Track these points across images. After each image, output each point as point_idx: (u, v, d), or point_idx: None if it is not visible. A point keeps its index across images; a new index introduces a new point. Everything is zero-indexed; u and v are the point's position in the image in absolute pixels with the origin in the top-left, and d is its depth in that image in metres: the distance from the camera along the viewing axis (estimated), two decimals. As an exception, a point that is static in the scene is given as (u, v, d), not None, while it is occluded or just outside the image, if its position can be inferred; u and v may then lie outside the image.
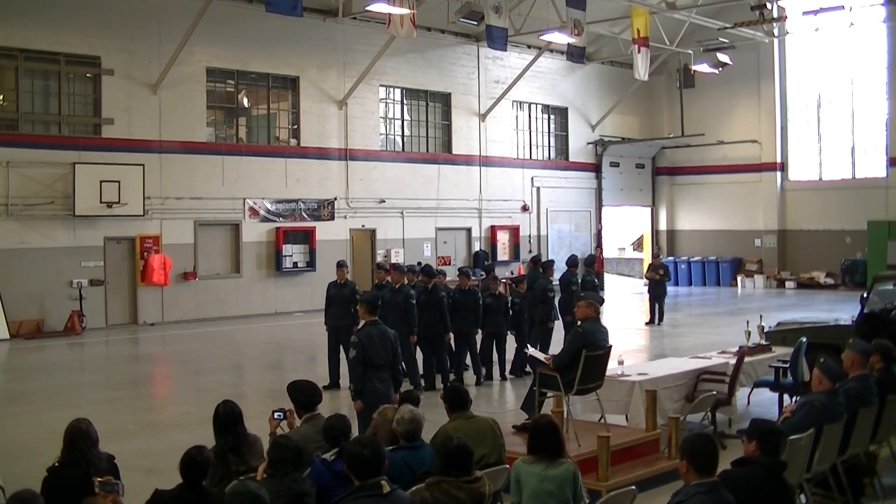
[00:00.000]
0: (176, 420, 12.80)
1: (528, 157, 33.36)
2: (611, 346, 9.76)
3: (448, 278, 16.81)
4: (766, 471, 5.69)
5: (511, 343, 15.50)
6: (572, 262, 18.27)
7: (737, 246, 35.46)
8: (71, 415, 6.74)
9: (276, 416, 7.08)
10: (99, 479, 5.49)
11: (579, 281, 17.50)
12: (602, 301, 10.40)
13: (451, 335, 14.68)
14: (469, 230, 31.20)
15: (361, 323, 9.69)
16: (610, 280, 35.71)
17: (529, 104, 33.50)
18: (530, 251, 30.86)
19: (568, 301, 16.21)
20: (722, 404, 10.61)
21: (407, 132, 30.05)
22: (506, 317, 15.18)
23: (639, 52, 29.27)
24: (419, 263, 28.98)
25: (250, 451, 6.60)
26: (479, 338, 15.13)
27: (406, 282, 14.67)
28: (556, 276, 17.49)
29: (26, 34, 21.86)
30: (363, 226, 28.32)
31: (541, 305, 15.79)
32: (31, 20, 21.86)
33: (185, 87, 24.40)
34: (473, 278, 17.76)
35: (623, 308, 27.20)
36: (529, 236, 32.86)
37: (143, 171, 23.12)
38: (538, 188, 33.26)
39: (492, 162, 31.68)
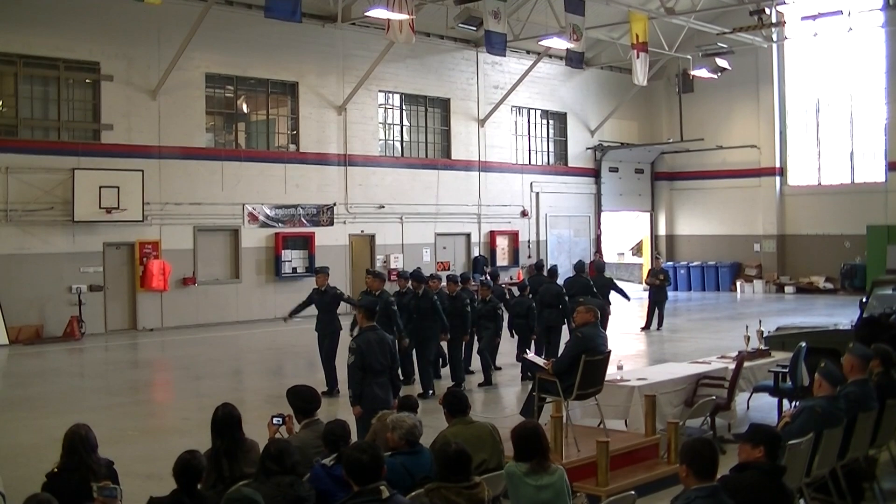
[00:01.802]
0: (175, 425, 12.79)
1: (528, 163, 33.38)
2: (610, 352, 9.77)
3: (443, 283, 16.90)
4: (766, 476, 5.69)
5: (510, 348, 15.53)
6: (580, 267, 18.48)
7: (736, 251, 35.45)
8: (70, 420, 6.74)
9: (275, 422, 7.07)
10: (98, 484, 5.49)
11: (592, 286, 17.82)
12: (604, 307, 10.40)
13: (446, 336, 14.84)
14: (468, 236, 31.19)
15: (357, 329, 9.72)
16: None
17: (528, 109, 33.52)
18: (529, 256, 30.86)
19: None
20: (721, 409, 10.60)
21: (406, 138, 30.08)
22: (494, 321, 15.33)
23: (637, 57, 29.27)
24: (418, 269, 29.10)
25: (245, 458, 6.57)
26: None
27: (399, 288, 14.93)
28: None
29: (26, 40, 21.88)
30: (362, 231, 28.32)
31: (549, 310, 15.90)
32: (31, 26, 21.88)
33: (185, 92, 24.41)
34: (473, 283, 17.82)
35: (622, 313, 27.17)
36: (529, 242, 32.85)
37: (143, 177, 23.12)
38: (537, 193, 33.27)
39: (491, 167, 31.69)
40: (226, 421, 6.63)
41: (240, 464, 6.43)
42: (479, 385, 14.99)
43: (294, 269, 26.48)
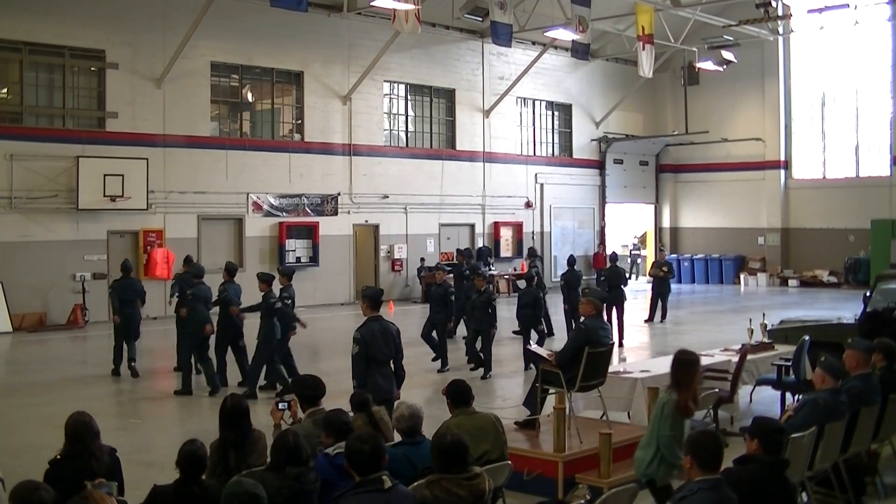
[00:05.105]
0: (178, 414, 12.81)
1: (532, 154, 33.33)
2: (613, 343, 9.76)
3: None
4: (769, 469, 5.70)
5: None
6: (613, 258, 20.54)
7: (740, 244, 35.40)
8: (73, 408, 6.74)
9: (279, 407, 7.07)
10: (91, 483, 5.45)
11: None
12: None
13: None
14: (472, 226, 31.17)
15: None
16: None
17: (533, 100, 33.45)
18: (532, 247, 30.86)
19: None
20: (724, 402, 10.60)
21: (411, 128, 30.04)
22: (484, 313, 15.65)
23: (643, 49, 29.19)
24: (422, 259, 29.18)
25: (252, 449, 6.56)
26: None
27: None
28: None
29: (31, 27, 21.87)
30: (366, 221, 28.31)
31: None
32: (36, 13, 21.86)
33: (190, 81, 24.39)
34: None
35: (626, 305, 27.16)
36: (533, 233, 32.84)
37: (147, 165, 23.13)
38: (542, 185, 33.24)
39: (495, 158, 31.65)
40: (234, 412, 6.60)
41: (247, 455, 6.41)
42: (477, 374, 15.12)
43: (298, 259, 26.47)
